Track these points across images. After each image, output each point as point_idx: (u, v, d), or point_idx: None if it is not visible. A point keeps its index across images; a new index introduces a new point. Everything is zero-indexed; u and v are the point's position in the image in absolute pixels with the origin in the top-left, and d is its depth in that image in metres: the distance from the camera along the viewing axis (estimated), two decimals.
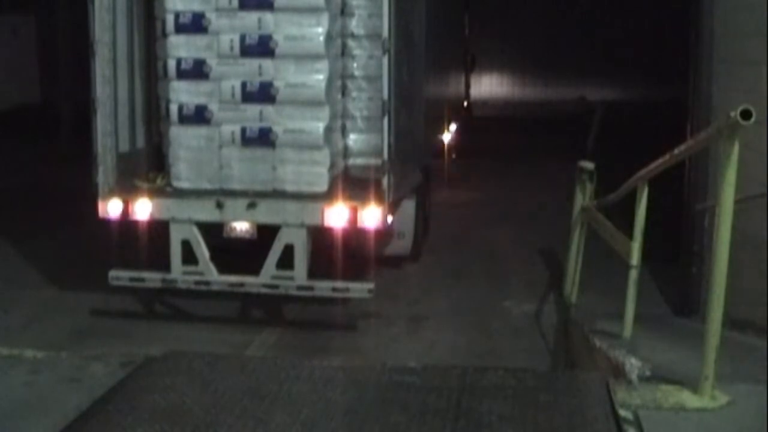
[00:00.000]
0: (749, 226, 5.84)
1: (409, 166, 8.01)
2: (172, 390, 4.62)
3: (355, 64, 7.81)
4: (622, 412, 4.34)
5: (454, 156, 14.80)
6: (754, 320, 5.92)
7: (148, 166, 7.90)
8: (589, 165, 7.48)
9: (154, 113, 8.06)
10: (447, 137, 13.33)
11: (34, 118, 18.34)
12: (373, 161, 7.47)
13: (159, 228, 7.27)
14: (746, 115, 4.00)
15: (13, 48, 18.73)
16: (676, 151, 5.09)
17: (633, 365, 5.00)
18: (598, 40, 25.01)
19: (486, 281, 8.71)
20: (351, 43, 7.78)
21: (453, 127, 14.28)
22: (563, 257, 8.03)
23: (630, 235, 5.62)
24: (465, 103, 17.39)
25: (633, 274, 5.61)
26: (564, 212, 7.93)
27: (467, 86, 17.76)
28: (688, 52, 6.79)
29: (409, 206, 8.44)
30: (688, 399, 4.47)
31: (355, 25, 7.75)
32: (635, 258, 5.58)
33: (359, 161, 7.94)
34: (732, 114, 4.05)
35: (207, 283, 7.09)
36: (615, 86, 25.53)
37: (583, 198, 7.46)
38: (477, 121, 18.97)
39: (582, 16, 25.23)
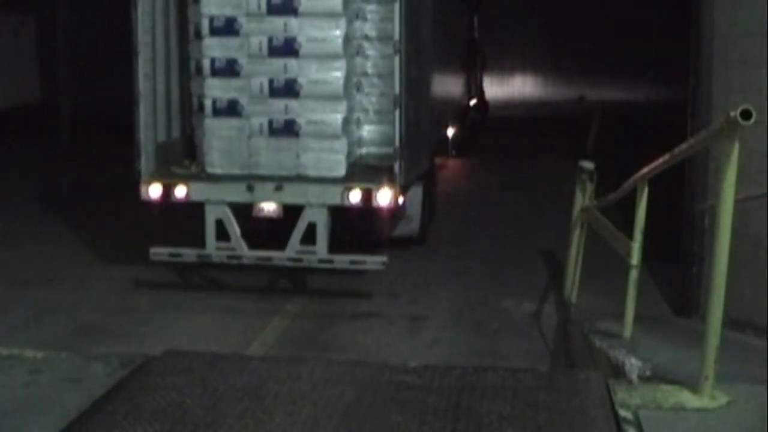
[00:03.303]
0: (749, 226, 5.84)
1: (418, 155, 8.69)
2: (172, 390, 4.61)
3: (369, 63, 8.73)
4: (622, 412, 4.34)
5: (454, 153, 14.88)
6: (754, 320, 5.92)
7: (182, 154, 8.66)
8: (589, 165, 7.48)
9: (187, 107, 8.78)
10: (451, 133, 13.58)
11: (34, 118, 18.35)
12: (385, 150, 8.35)
13: (192, 209, 7.98)
14: (746, 115, 3.98)
15: (13, 48, 18.75)
16: (676, 151, 5.09)
17: (633, 365, 4.99)
18: (598, 40, 25.04)
19: (486, 280, 8.70)
20: (365, 44, 8.69)
21: (458, 123, 14.46)
22: (563, 257, 8.02)
23: (630, 235, 5.61)
24: (472, 102, 17.54)
25: (633, 274, 5.59)
26: (564, 212, 7.93)
27: (480, 85, 18.30)
28: (688, 52, 6.79)
29: (417, 192, 9.18)
30: (688, 399, 4.46)
31: (369, 28, 8.67)
32: (635, 258, 5.57)
33: (372, 150, 8.81)
34: (732, 114, 4.04)
35: (239, 257, 7.87)
36: (615, 86, 25.55)
37: (583, 198, 7.45)
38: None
39: (582, 17, 25.27)
